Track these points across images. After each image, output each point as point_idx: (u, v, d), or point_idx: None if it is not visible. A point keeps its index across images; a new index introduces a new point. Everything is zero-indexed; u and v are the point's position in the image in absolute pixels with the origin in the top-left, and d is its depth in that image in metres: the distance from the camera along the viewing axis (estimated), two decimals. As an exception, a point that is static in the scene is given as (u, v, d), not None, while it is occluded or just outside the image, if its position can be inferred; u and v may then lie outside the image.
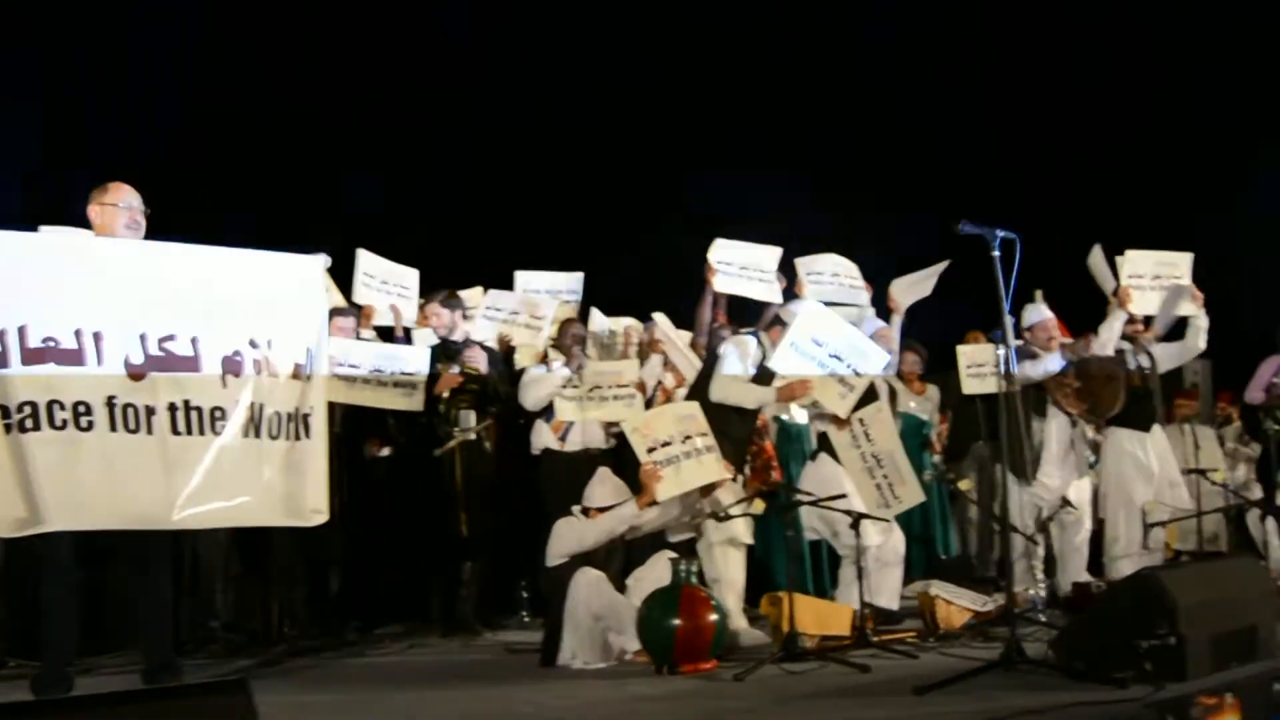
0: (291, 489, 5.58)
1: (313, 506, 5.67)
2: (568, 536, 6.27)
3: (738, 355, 6.86)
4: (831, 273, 8.83)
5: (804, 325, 6.76)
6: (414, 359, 7.70)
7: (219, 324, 5.43)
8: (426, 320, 8.38)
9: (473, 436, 7.70)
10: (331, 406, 7.33)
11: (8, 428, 4.93)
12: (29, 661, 6.22)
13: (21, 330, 5.01)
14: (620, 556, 6.60)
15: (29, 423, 4.96)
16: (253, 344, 5.51)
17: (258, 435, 5.47)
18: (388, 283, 8.75)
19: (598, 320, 8.83)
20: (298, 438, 5.63)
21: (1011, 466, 6.07)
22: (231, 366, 5.43)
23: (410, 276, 8.90)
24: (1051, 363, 7.81)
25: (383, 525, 7.93)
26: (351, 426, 7.69)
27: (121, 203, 5.65)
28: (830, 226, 10.09)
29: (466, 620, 7.68)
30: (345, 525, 7.47)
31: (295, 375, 5.65)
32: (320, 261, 5.95)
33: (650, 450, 6.43)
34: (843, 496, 6.79)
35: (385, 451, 8.03)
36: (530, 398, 7.85)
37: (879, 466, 7.18)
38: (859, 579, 6.52)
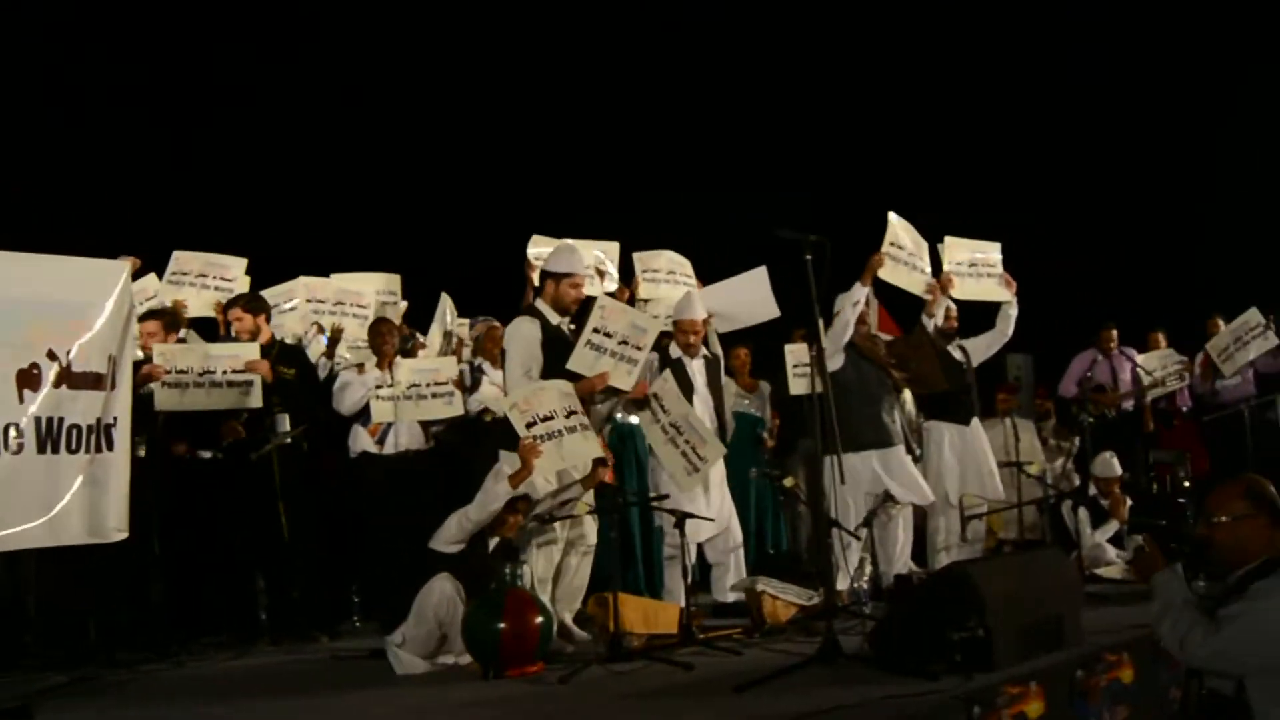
0: (93, 505, 5.40)
1: (115, 524, 5.50)
2: (451, 523, 6.20)
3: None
4: (668, 270, 8.89)
5: (593, 319, 6.77)
6: (246, 352, 7.53)
7: (17, 335, 5.19)
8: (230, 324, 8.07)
9: (288, 441, 7.56)
10: (156, 413, 7.20)
11: None
12: None
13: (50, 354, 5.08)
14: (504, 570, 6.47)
15: None
16: (51, 355, 5.27)
17: (55, 450, 5.26)
18: (206, 275, 8.51)
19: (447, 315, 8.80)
20: (99, 450, 5.44)
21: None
22: (28, 381, 5.18)
23: (234, 265, 8.63)
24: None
25: (205, 530, 7.74)
26: (171, 429, 7.50)
27: None
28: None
29: (297, 626, 7.56)
30: (165, 531, 7.32)
31: (98, 385, 5.44)
32: (126, 265, 5.75)
33: (530, 425, 6.33)
34: (666, 497, 6.85)
35: (208, 454, 7.86)
36: (346, 402, 7.77)
37: (679, 434, 7.23)
38: (684, 577, 6.59)
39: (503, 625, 5.79)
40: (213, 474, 7.85)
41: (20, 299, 5.24)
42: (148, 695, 6.02)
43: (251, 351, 7.54)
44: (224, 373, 7.42)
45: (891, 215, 8.16)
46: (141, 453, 7.10)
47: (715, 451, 7.31)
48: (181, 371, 7.33)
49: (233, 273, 8.59)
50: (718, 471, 7.45)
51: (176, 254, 8.38)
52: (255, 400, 7.46)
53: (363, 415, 7.89)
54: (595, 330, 6.68)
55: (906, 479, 7.93)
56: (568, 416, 6.44)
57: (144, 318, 7.43)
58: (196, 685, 6.24)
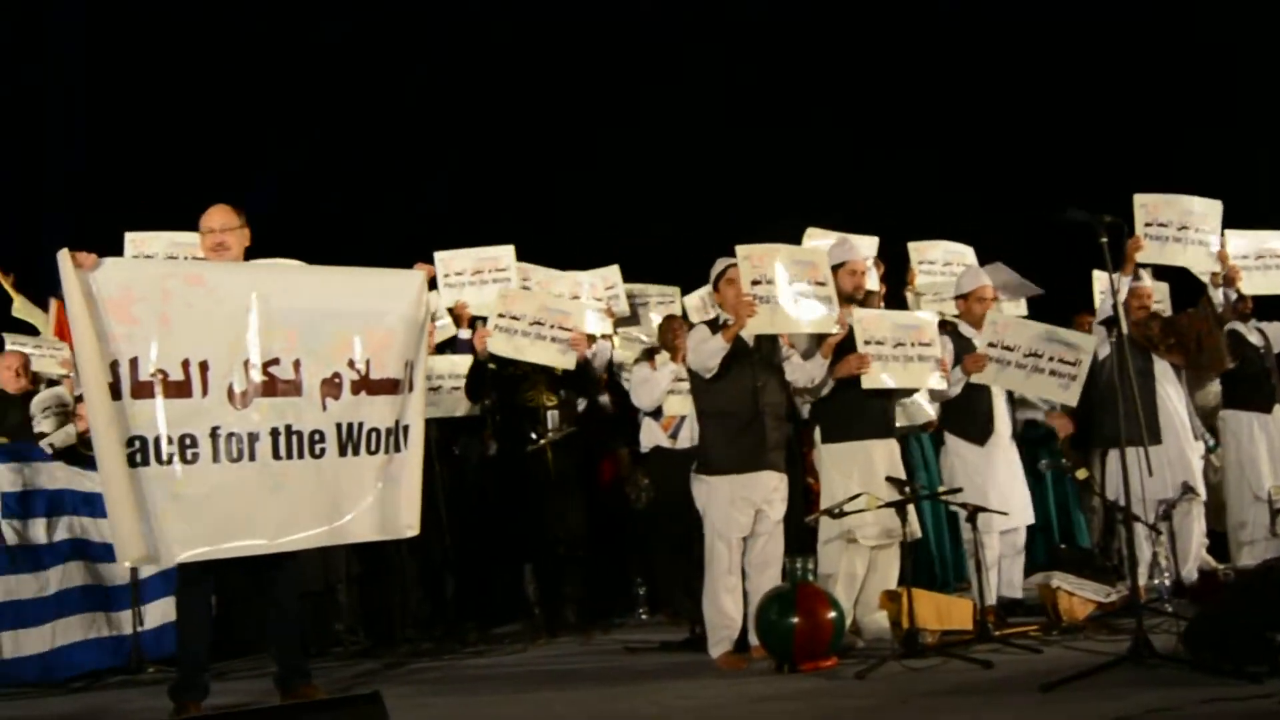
0: (386, 503, 5.65)
1: (406, 521, 5.73)
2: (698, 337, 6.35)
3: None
4: (944, 262, 8.70)
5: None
6: (576, 316, 7.73)
7: (320, 346, 5.51)
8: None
9: (559, 439, 7.76)
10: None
11: (125, 459, 5.07)
12: (167, 668, 6.44)
13: (133, 363, 5.12)
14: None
15: (138, 457, 5.09)
16: (351, 364, 5.58)
17: (355, 453, 5.57)
18: (481, 271, 8.62)
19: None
20: (396, 450, 5.70)
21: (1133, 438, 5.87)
22: (330, 389, 5.52)
23: (503, 255, 8.63)
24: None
25: (485, 525, 8.04)
26: (448, 428, 7.78)
27: (205, 227, 5.71)
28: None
29: (569, 620, 7.79)
30: (451, 527, 7.64)
31: (394, 390, 5.70)
32: (420, 274, 5.93)
33: (754, 283, 6.27)
34: (958, 490, 6.70)
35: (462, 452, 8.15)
36: (645, 398, 7.85)
37: (1039, 357, 6.88)
38: (978, 572, 6.45)
39: (795, 620, 5.79)
40: (491, 470, 8.11)
41: (326, 311, 5.56)
42: (456, 684, 6.26)
43: (579, 318, 7.72)
44: (551, 327, 7.60)
45: (1140, 196, 7.74)
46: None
47: (1085, 340, 7.02)
48: (515, 317, 7.55)
49: (504, 261, 8.70)
50: (1012, 461, 7.21)
51: (440, 255, 8.45)
52: (569, 362, 7.60)
53: (656, 410, 7.98)
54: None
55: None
56: (790, 284, 6.35)
57: None
58: (498, 676, 6.47)
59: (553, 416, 7.72)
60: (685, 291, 9.19)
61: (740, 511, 6.28)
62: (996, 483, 7.05)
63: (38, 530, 6.75)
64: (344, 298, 5.64)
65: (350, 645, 7.44)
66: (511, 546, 7.99)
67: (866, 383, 6.56)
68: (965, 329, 7.32)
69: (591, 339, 7.88)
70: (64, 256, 5.03)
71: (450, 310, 8.42)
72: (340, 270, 5.81)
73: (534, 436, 7.73)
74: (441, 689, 6.10)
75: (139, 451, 5.08)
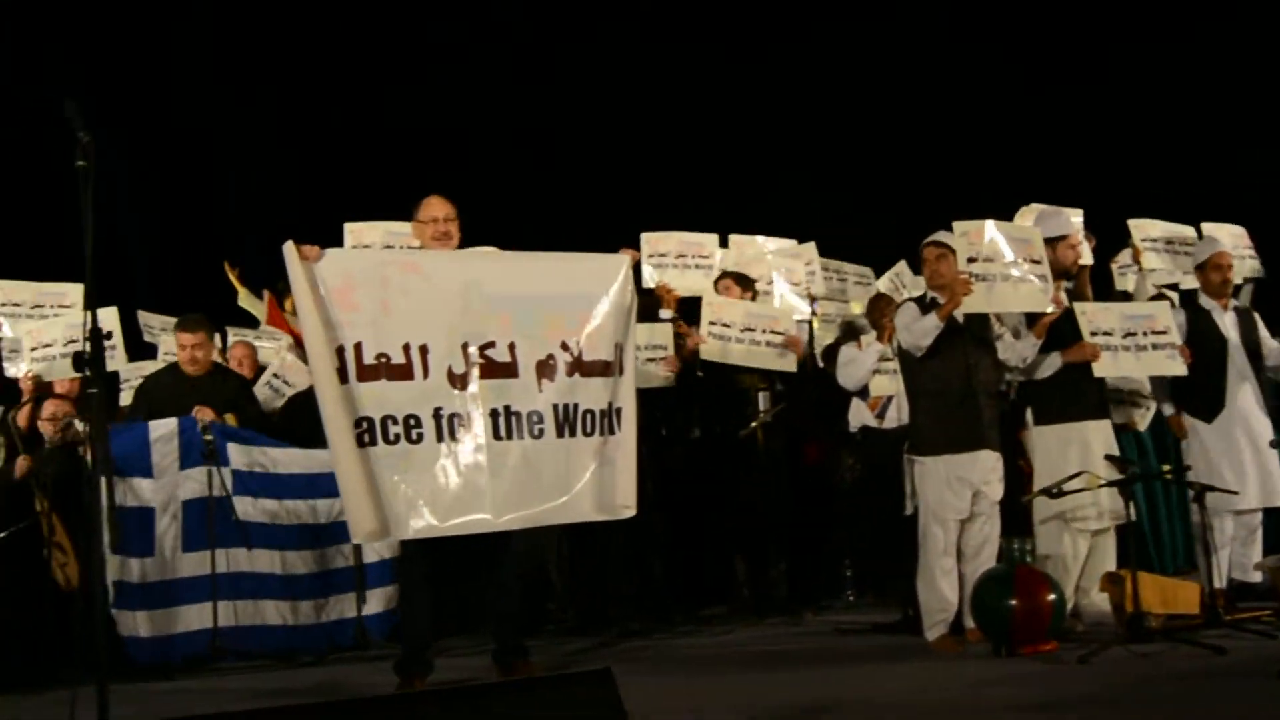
0: (603, 484, 5.75)
1: (622, 501, 5.82)
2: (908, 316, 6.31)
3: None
4: (1165, 239, 8.32)
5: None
6: (784, 319, 7.78)
7: (533, 329, 5.66)
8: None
9: (770, 419, 7.72)
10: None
11: (356, 440, 5.30)
12: (392, 646, 6.68)
13: (358, 347, 5.35)
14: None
15: (366, 438, 5.31)
16: (564, 346, 5.71)
17: (572, 434, 5.68)
18: (685, 255, 8.64)
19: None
20: (610, 432, 5.79)
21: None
22: (545, 371, 5.66)
23: (708, 242, 8.71)
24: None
25: (693, 506, 8.07)
26: (654, 408, 7.83)
27: (427, 216, 5.85)
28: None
29: (779, 602, 7.75)
30: (658, 508, 7.70)
31: (606, 372, 5.80)
32: (626, 259, 5.99)
33: (970, 260, 6.17)
34: (1188, 469, 6.44)
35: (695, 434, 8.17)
36: (851, 378, 7.77)
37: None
38: (1206, 555, 6.20)
39: (1014, 602, 5.67)
40: (700, 451, 8.14)
41: (537, 296, 5.71)
42: (670, 665, 6.29)
43: (786, 321, 7.77)
44: (763, 332, 7.66)
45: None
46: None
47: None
48: (726, 325, 7.62)
49: (708, 249, 8.71)
50: (1257, 439, 6.85)
51: (646, 236, 8.51)
52: (790, 365, 7.66)
53: (862, 390, 7.90)
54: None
55: None
56: (1007, 264, 6.21)
57: None
58: (709, 658, 6.49)
59: (763, 398, 7.70)
60: (878, 273, 9.10)
61: (956, 493, 6.17)
62: (1232, 461, 6.74)
63: (267, 508, 7.03)
64: (553, 282, 5.79)
65: (561, 624, 7.59)
66: (720, 528, 8.00)
67: (1099, 370, 6.42)
68: (1205, 300, 7.02)
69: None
70: (289, 249, 5.29)
71: (652, 290, 8.48)
72: (548, 256, 5.97)
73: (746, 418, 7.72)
74: (655, 669, 6.15)
75: (366, 432, 5.30)
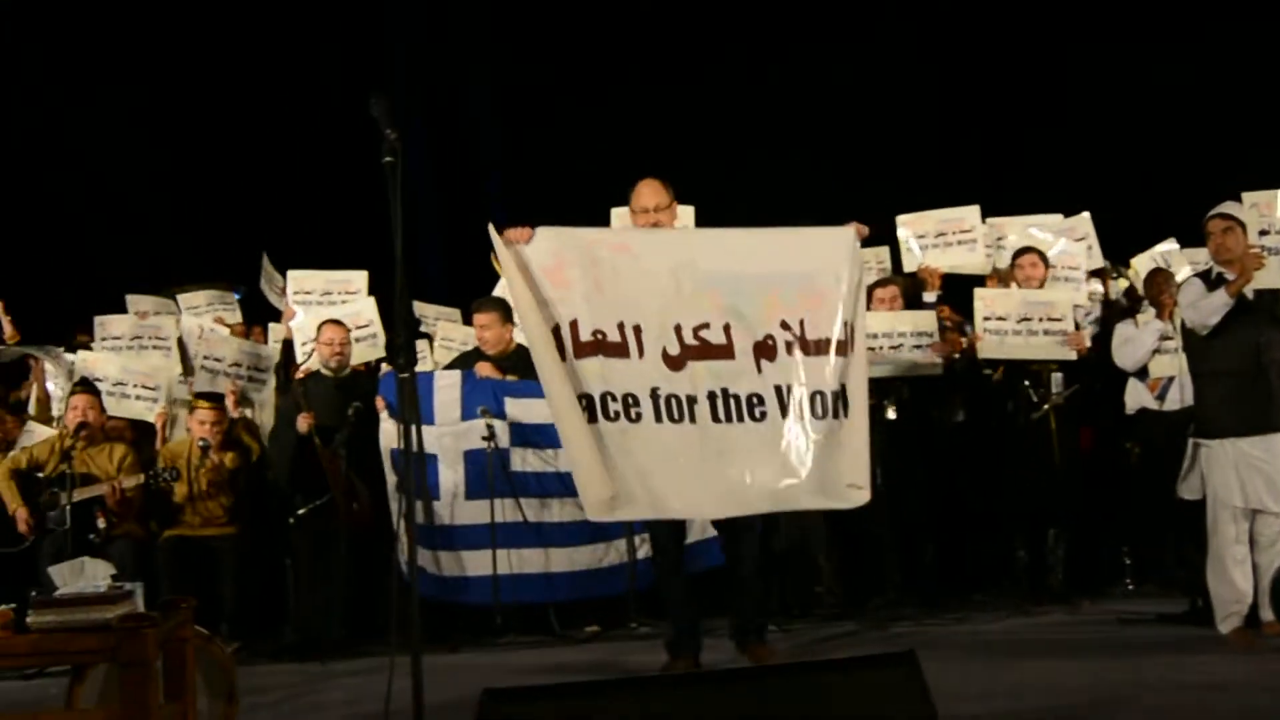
0: (831, 468, 5.48)
1: (850, 482, 5.51)
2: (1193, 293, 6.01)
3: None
4: None
5: None
6: (1061, 304, 7.51)
7: (750, 309, 5.46)
8: None
9: (1062, 402, 7.48)
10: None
11: (583, 415, 5.25)
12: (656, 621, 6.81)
13: (573, 324, 5.29)
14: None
15: (588, 414, 5.25)
16: (784, 326, 5.49)
17: (799, 417, 5.44)
18: (945, 234, 8.39)
19: None
20: (839, 415, 5.51)
21: None
22: (764, 351, 5.46)
23: (968, 215, 8.40)
24: None
25: (966, 489, 7.91)
26: (921, 390, 7.71)
27: (638, 206, 5.75)
28: None
29: (1055, 589, 7.52)
30: (928, 491, 7.58)
31: (835, 352, 5.54)
32: (852, 231, 5.67)
33: (1262, 233, 5.82)
34: None
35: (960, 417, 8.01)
36: (1128, 358, 7.48)
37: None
38: None
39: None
40: (976, 437, 7.99)
41: (753, 274, 5.50)
42: (955, 649, 6.11)
43: (1063, 306, 7.49)
44: (1040, 320, 7.43)
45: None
46: (892, 415, 7.46)
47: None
48: (1000, 318, 7.44)
49: (969, 223, 8.34)
50: None
51: (902, 218, 8.37)
52: (1069, 353, 7.40)
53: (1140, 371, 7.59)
54: None
55: None
56: None
57: None
58: (987, 643, 6.34)
59: (1056, 379, 7.47)
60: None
61: (1246, 478, 5.86)
62: None
63: (543, 458, 7.21)
64: (771, 259, 5.57)
65: (830, 608, 7.57)
66: (997, 512, 7.84)
67: None
68: None
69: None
70: (495, 233, 5.31)
71: (914, 274, 8.34)
72: (765, 231, 5.74)
73: (1035, 400, 7.51)
74: (931, 654, 6.01)
75: (587, 409, 5.26)
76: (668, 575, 5.90)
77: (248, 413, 8.02)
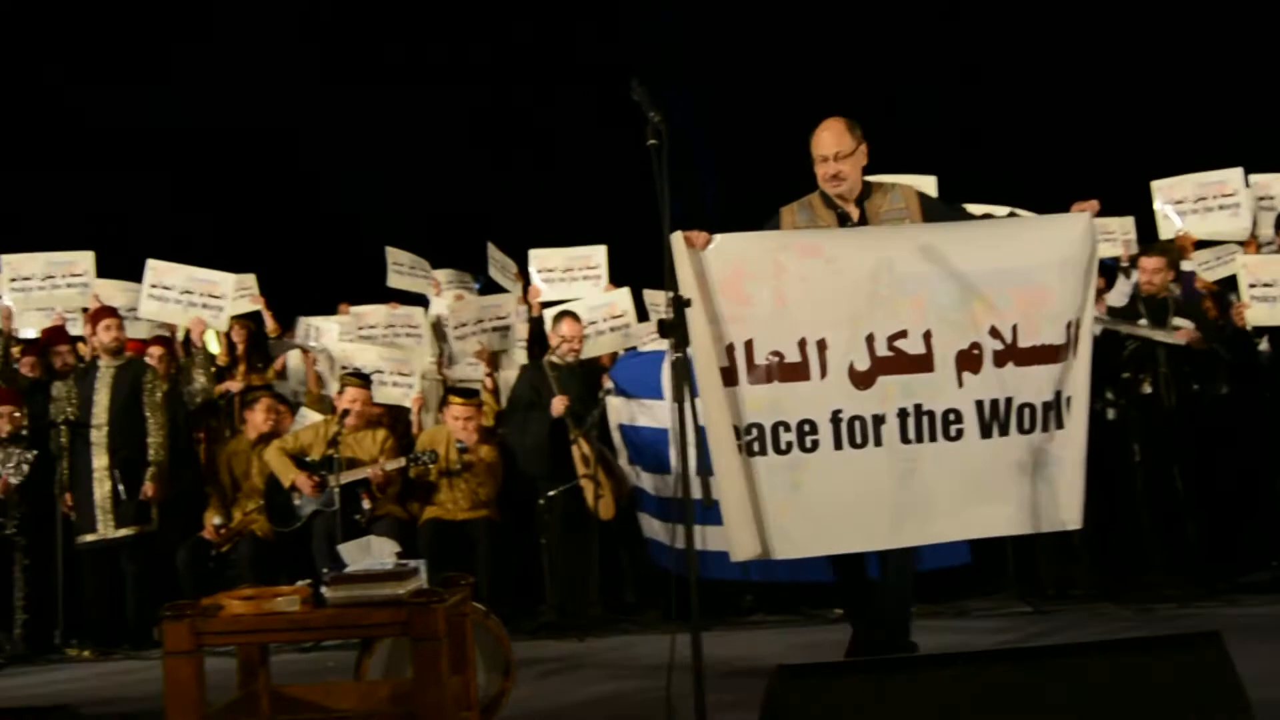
0: (1041, 489, 4.89)
1: (1065, 512, 4.91)
2: None
3: None
4: None
5: None
6: None
7: (955, 314, 4.87)
8: None
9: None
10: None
11: (739, 449, 4.79)
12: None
13: (749, 345, 4.80)
14: None
15: (755, 446, 4.79)
16: (994, 333, 4.88)
17: (1003, 433, 4.86)
18: (1205, 199, 8.15)
19: None
20: (1054, 427, 4.90)
21: None
22: (968, 363, 4.87)
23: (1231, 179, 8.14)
24: None
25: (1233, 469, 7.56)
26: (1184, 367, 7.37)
27: (816, 155, 5.11)
28: None
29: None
30: (1185, 470, 7.27)
31: (1051, 358, 4.91)
32: (1085, 217, 5.01)
33: None
34: None
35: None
36: None
37: None
38: None
39: None
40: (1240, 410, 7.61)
41: (962, 273, 4.89)
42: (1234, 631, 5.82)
43: None
44: None
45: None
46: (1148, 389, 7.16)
47: None
48: (1266, 284, 7.05)
49: (1232, 186, 8.01)
50: None
51: (1158, 184, 8.08)
52: None
53: None
54: None
55: None
56: None
57: None
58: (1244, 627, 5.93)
59: None
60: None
61: None
62: None
63: None
64: (984, 256, 4.93)
65: (1087, 589, 7.33)
66: (1265, 490, 7.45)
67: None
68: None
69: None
70: (677, 238, 4.72)
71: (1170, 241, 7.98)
72: (979, 224, 5.25)
73: None
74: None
75: (756, 440, 4.78)
76: (848, 576, 5.27)
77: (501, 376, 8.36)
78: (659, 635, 6.93)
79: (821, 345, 4.81)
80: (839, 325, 4.83)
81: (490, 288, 9.54)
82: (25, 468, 7.64)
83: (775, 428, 4.78)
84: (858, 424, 4.81)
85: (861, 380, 4.82)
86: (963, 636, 5.95)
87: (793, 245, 4.93)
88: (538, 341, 8.51)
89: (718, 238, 4.82)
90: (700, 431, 4.04)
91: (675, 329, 3.70)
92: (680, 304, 3.72)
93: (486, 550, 7.49)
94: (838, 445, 4.79)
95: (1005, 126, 11.68)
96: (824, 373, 4.81)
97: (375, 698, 4.25)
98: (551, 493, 7.29)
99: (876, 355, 4.83)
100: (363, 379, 7.91)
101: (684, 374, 3.69)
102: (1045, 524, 4.92)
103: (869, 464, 4.80)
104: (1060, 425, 4.89)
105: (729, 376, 4.79)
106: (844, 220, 5.14)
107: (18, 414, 7.82)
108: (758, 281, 4.79)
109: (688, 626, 3.61)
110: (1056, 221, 5.04)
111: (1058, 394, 4.89)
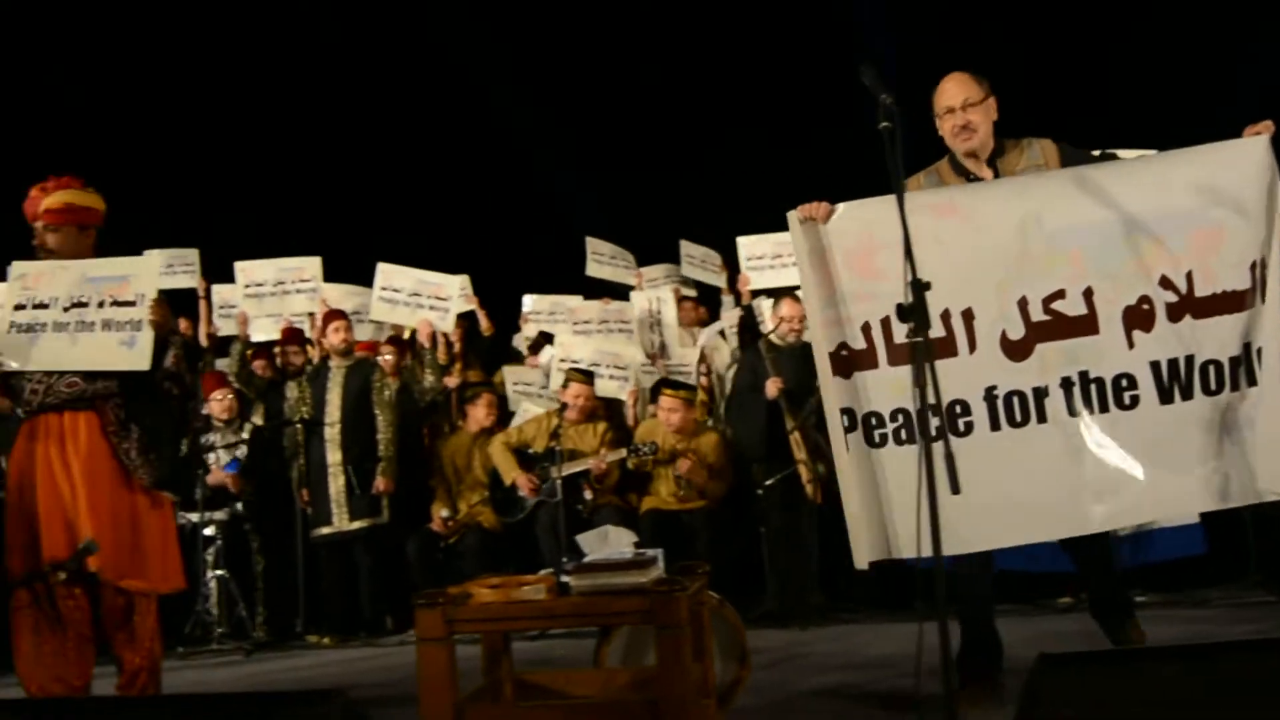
0: (1233, 456, 4.26)
1: (1265, 481, 4.23)
2: None
3: None
4: None
5: None
6: None
7: (1118, 266, 4.29)
8: None
9: None
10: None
11: (882, 439, 4.33)
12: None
13: (885, 324, 4.33)
14: None
15: (902, 434, 4.31)
16: (1166, 284, 4.28)
17: (1185, 397, 4.26)
18: None
19: None
20: (1245, 384, 4.26)
21: None
22: (1138, 320, 4.27)
23: None
24: None
25: None
26: None
27: (940, 107, 4.63)
28: None
29: None
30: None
31: (1235, 306, 4.28)
32: (1263, 140, 4.31)
33: None
34: None
35: None
36: None
37: None
38: None
39: None
40: None
41: (1123, 219, 4.32)
42: None
43: None
44: None
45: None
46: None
47: None
48: None
49: None
50: None
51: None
52: None
53: None
54: None
55: None
56: None
57: None
58: None
59: None
60: None
61: None
62: None
63: None
64: (1145, 196, 4.32)
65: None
66: None
67: None
68: None
69: None
70: (792, 216, 4.43)
71: None
72: (1135, 162, 4.62)
73: None
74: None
75: (903, 427, 4.30)
76: (969, 572, 4.58)
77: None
78: (882, 624, 6.89)
79: (967, 315, 4.30)
80: (985, 291, 4.31)
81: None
82: (243, 448, 8.07)
83: (920, 413, 4.06)
84: (1016, 400, 4.27)
85: (1016, 350, 4.30)
86: (1203, 627, 5.69)
87: (926, 206, 4.29)
88: (748, 330, 8.54)
89: (840, 207, 4.40)
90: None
91: (914, 312, 3.62)
92: (919, 287, 3.63)
93: (706, 541, 7.53)
94: (994, 426, 4.27)
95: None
96: (973, 346, 4.31)
97: (615, 685, 4.30)
98: (769, 481, 7.28)
99: (1031, 321, 4.29)
100: (585, 374, 8.06)
101: (925, 356, 3.61)
102: (1239, 496, 4.28)
103: (1034, 443, 4.25)
104: (1252, 382, 4.25)
105: (864, 360, 4.35)
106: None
107: (230, 398, 8.22)
108: (890, 251, 4.07)
109: (932, 616, 3.51)
110: (1228, 149, 4.35)
111: (1246, 346, 4.25)
